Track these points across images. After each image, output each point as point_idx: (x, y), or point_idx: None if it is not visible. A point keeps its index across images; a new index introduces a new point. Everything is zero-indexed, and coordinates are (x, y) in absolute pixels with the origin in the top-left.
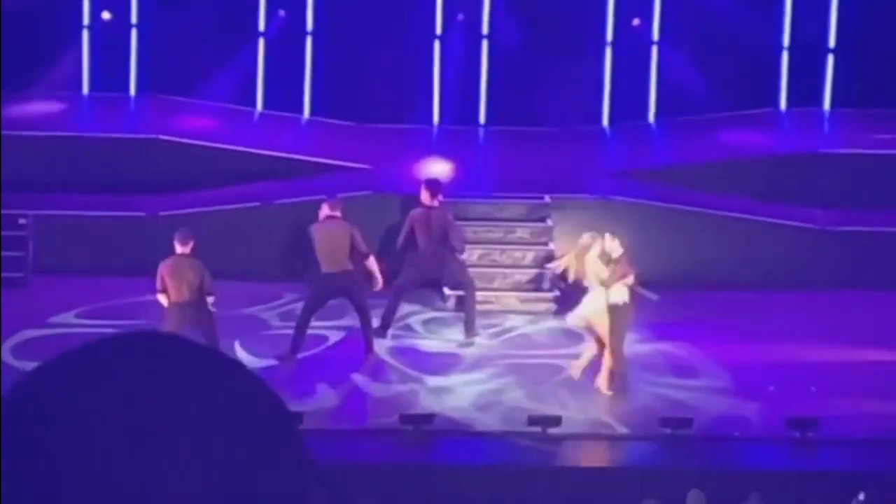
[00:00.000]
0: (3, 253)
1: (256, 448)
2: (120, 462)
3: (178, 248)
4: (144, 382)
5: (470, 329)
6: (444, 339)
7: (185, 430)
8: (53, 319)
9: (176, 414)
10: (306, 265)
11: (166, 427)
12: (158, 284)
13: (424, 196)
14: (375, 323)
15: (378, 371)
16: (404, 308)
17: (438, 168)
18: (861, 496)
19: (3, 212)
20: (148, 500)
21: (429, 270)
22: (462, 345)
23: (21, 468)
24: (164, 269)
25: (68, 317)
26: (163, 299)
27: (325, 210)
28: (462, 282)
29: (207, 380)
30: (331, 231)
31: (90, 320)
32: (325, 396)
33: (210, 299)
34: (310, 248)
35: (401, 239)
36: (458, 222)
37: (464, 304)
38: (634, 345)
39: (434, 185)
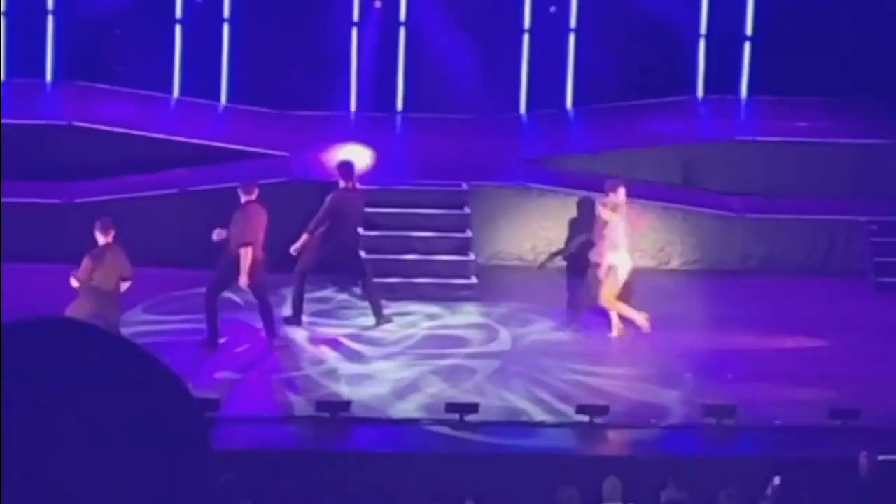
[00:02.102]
0: None
1: (162, 434)
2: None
3: (101, 239)
4: (49, 368)
5: (379, 314)
6: (359, 326)
7: (91, 417)
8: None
9: (82, 400)
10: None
11: (71, 413)
12: (81, 273)
13: (341, 180)
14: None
15: (294, 357)
16: (317, 293)
17: (356, 155)
18: (776, 480)
19: None
20: (53, 486)
21: (342, 254)
22: (377, 331)
23: None
24: (91, 261)
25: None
26: (76, 283)
27: (243, 196)
28: (365, 268)
29: (114, 367)
30: (251, 215)
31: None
32: (241, 382)
33: (126, 285)
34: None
35: (317, 220)
36: (377, 209)
37: (369, 291)
38: (551, 332)
39: (347, 168)
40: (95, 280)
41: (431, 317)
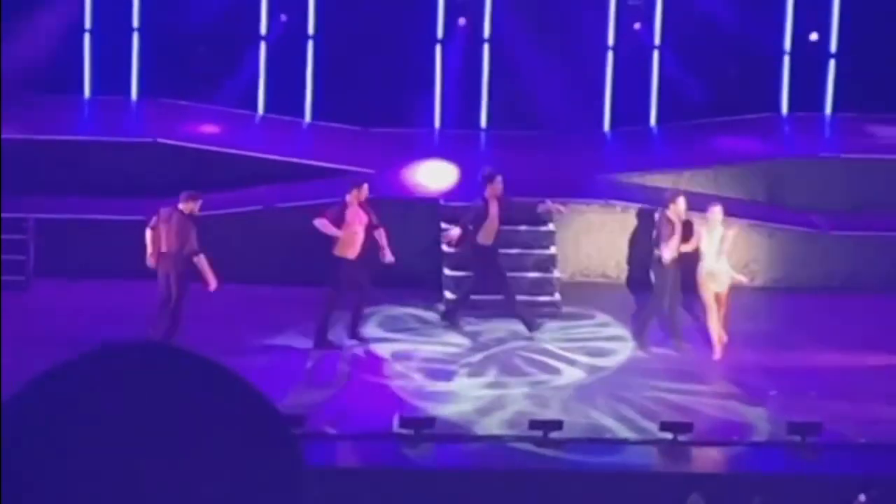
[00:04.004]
0: (4, 257)
1: (251, 454)
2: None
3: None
4: (139, 391)
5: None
6: (444, 342)
7: (182, 438)
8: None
9: (172, 422)
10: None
11: (162, 435)
12: (150, 233)
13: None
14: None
15: (378, 374)
16: (404, 309)
17: (440, 171)
18: (861, 498)
19: (4, 215)
20: None
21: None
22: (460, 347)
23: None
24: (158, 221)
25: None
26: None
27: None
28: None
29: (201, 388)
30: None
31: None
32: (325, 399)
33: (197, 259)
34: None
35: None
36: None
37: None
38: (635, 349)
39: (491, 175)
40: (163, 243)
41: (515, 334)
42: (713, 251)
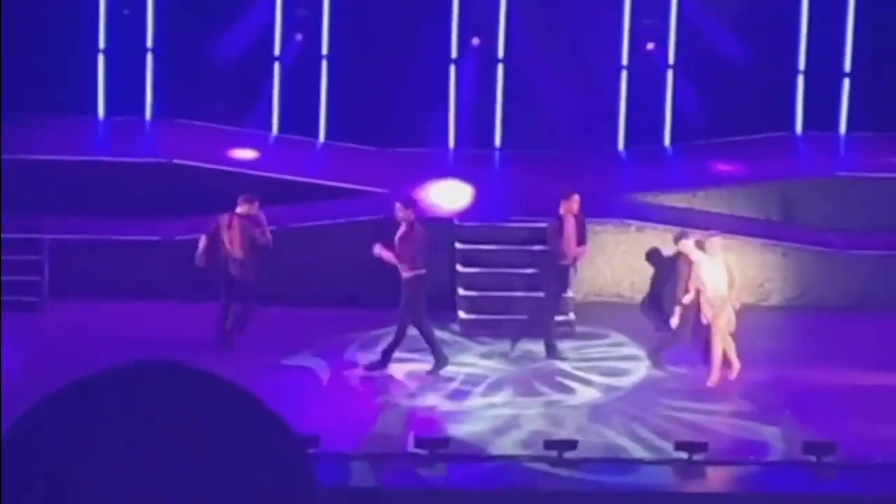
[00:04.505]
0: (19, 277)
1: (263, 474)
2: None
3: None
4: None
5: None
6: (457, 362)
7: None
8: None
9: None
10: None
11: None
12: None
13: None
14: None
15: (392, 394)
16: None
17: (455, 191)
18: None
19: (19, 236)
20: None
21: None
22: (476, 367)
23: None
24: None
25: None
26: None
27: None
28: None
29: (213, 407)
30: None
31: None
32: (339, 419)
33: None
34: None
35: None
36: (476, 246)
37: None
38: (650, 368)
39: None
40: (230, 248)
41: (531, 353)
42: (711, 281)
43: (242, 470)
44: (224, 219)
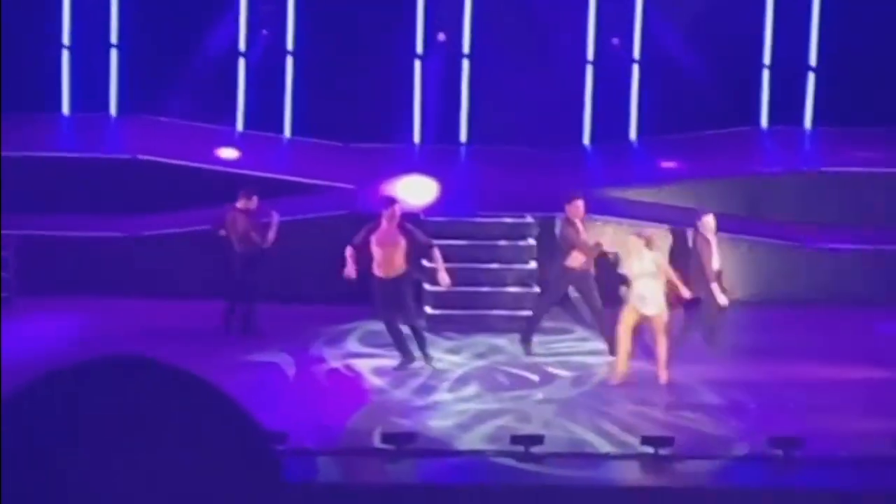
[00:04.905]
0: None
1: (231, 469)
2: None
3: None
4: (120, 406)
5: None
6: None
7: (162, 452)
8: None
9: (152, 435)
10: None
11: (143, 449)
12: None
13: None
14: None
15: (359, 389)
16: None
17: (420, 187)
18: None
19: None
20: None
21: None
22: (442, 362)
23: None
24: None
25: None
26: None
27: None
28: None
29: (182, 403)
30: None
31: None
32: (306, 415)
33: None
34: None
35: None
36: (442, 241)
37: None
38: (615, 364)
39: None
40: (235, 244)
41: (496, 348)
42: (640, 274)
43: (210, 465)
44: (228, 217)
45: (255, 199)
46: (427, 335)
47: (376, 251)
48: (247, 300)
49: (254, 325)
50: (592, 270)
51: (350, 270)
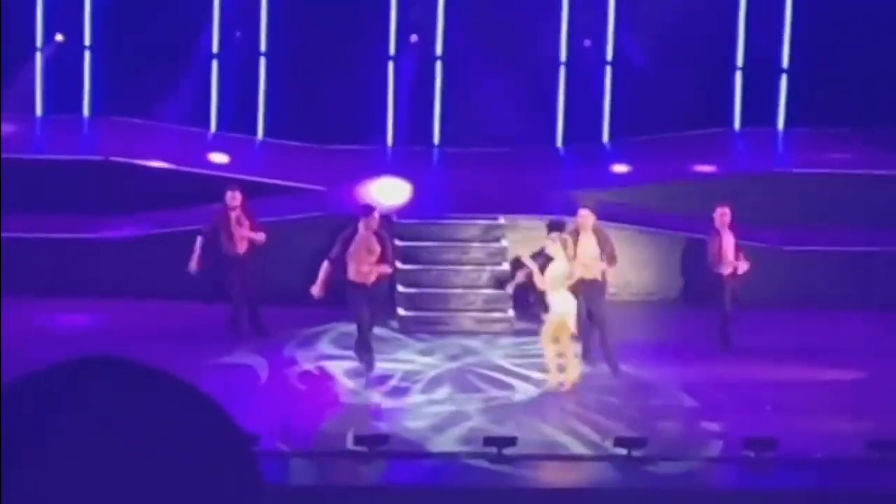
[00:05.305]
0: None
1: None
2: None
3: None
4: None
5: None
6: (396, 360)
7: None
8: None
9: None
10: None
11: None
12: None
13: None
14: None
15: (331, 392)
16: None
17: (393, 188)
18: None
19: None
20: None
21: None
22: (415, 364)
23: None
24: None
25: None
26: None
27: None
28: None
29: (158, 403)
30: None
31: None
32: (279, 417)
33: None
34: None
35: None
36: (415, 243)
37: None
38: (587, 366)
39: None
40: (233, 243)
41: (469, 350)
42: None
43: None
44: (218, 216)
45: (239, 196)
46: (400, 336)
47: (352, 258)
48: (249, 301)
49: (260, 324)
50: (601, 278)
51: (317, 289)
